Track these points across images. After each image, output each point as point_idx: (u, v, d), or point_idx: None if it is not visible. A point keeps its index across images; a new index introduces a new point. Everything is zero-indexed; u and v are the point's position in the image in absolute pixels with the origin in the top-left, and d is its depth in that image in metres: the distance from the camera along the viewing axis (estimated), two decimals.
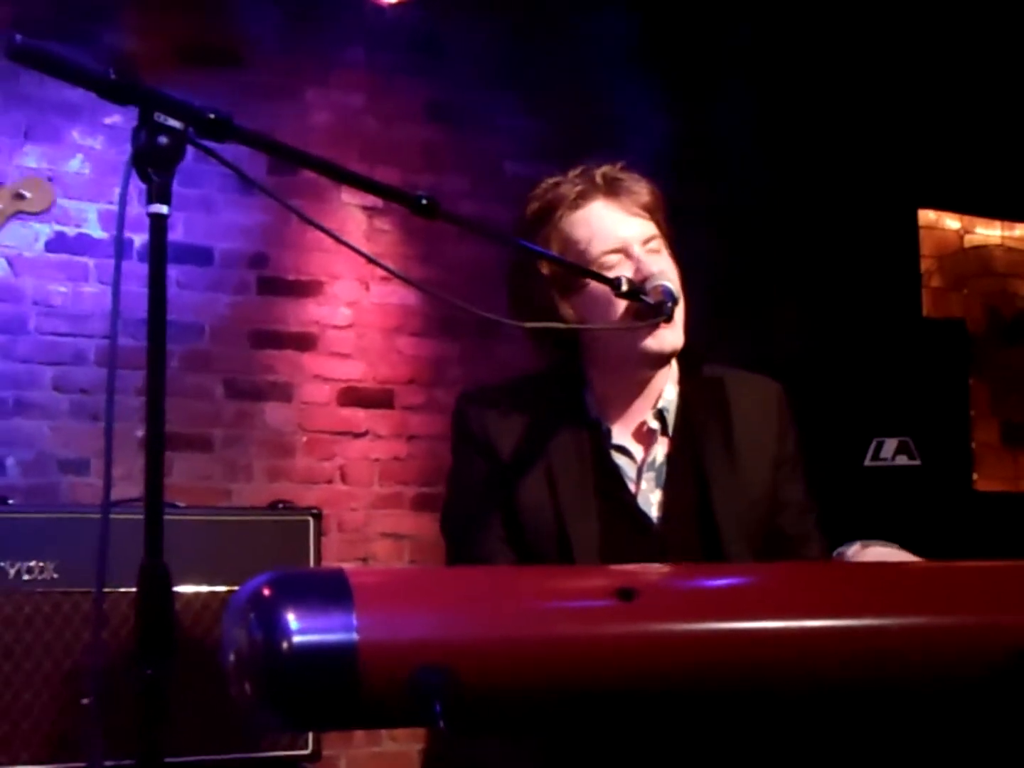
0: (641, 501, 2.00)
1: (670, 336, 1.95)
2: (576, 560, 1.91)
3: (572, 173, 2.06)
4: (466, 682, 1.25)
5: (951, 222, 5.57)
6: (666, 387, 2.05)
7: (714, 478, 1.99)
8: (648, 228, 2.00)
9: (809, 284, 4.92)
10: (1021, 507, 5.19)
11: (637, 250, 1.97)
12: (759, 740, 1.79)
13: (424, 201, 1.64)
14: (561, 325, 1.99)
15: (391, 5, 4.63)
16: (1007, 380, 5.50)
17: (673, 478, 2.01)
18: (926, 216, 5.45)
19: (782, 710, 1.43)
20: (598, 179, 2.03)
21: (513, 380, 2.12)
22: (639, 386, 2.03)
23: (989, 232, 5.67)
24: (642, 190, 2.02)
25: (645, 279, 1.94)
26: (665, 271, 1.96)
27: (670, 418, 2.04)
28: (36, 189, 2.86)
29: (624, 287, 1.90)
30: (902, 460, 4.30)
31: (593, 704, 1.35)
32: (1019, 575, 1.52)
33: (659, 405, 2.03)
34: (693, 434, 2.03)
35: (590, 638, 1.33)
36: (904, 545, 1.83)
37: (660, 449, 2.03)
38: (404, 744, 4.35)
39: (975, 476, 4.92)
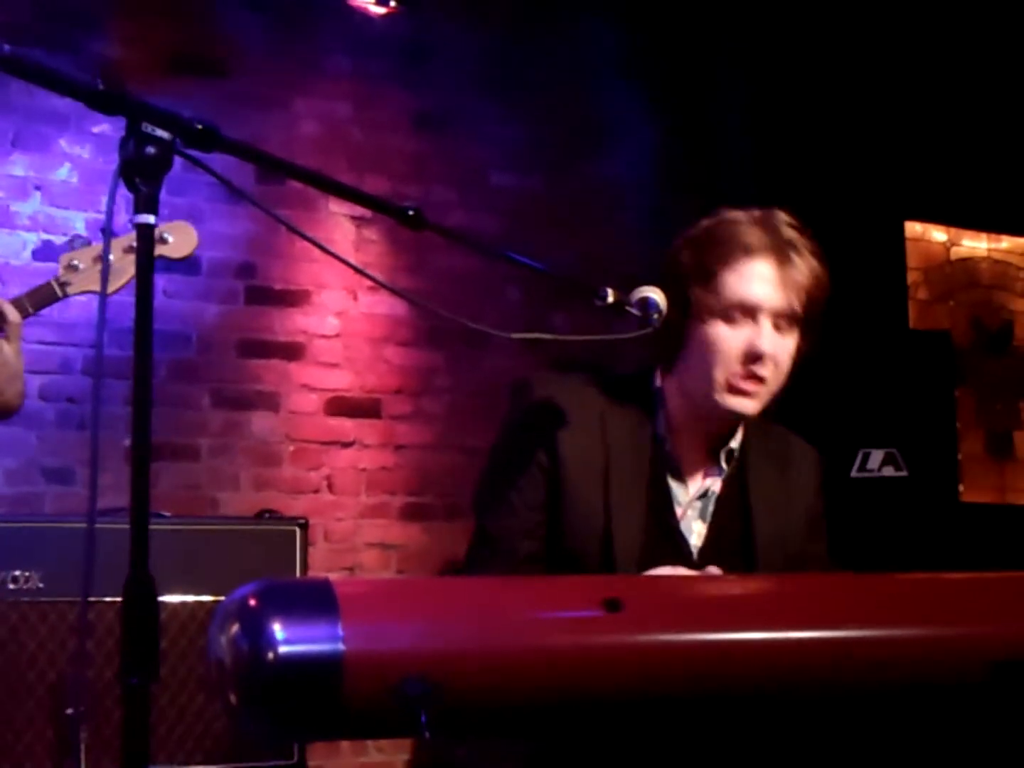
0: (684, 528, 2.01)
1: (748, 405, 1.96)
2: (616, 564, 1.91)
3: (755, 214, 2.02)
4: (451, 692, 1.25)
5: (938, 234, 5.59)
6: (738, 430, 2.06)
7: (761, 527, 2.03)
8: (790, 310, 1.97)
9: None
10: (1006, 518, 5.20)
11: (765, 321, 1.95)
12: (744, 749, 1.79)
13: (411, 212, 1.64)
14: (547, 336, 1.99)
15: (379, 15, 4.64)
16: (992, 392, 5.52)
17: (720, 514, 2.03)
18: (913, 228, 5.46)
19: (766, 720, 1.43)
20: (774, 235, 1.99)
21: (588, 373, 2.10)
22: (710, 438, 2.05)
23: (975, 244, 5.69)
24: (808, 271, 1.98)
25: (756, 359, 1.93)
26: (776, 352, 1.95)
27: (731, 459, 2.06)
28: (179, 233, 2.82)
29: (610, 299, 1.89)
30: (889, 471, 4.31)
31: (579, 714, 1.35)
32: (1001, 587, 1.52)
33: (731, 445, 2.05)
34: (745, 479, 2.06)
35: (576, 649, 1.33)
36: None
37: (713, 483, 2.04)
38: (390, 755, 4.34)
39: (961, 487, 4.93)
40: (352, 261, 2.03)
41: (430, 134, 4.79)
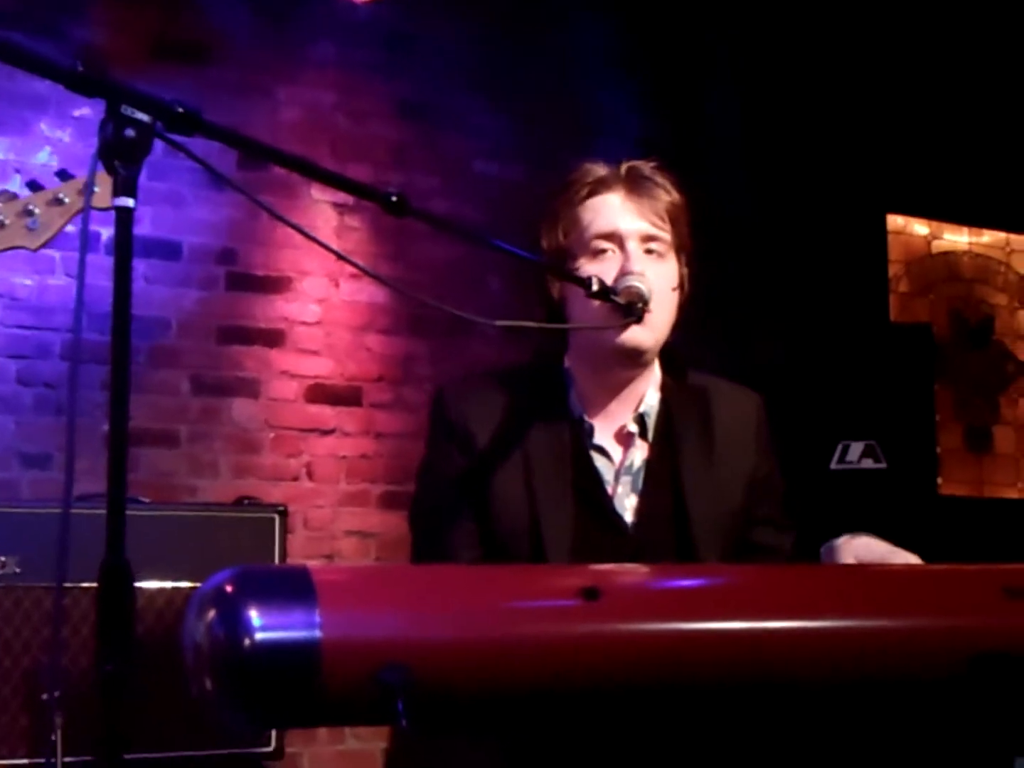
0: (616, 504, 2.00)
1: (640, 334, 1.95)
2: (547, 558, 1.91)
3: (607, 163, 2.06)
4: (429, 680, 1.25)
5: (919, 228, 5.60)
6: (648, 392, 2.05)
7: (691, 487, 2.00)
8: (653, 230, 1.99)
9: (777, 289, 4.94)
10: (984, 511, 5.23)
11: (631, 245, 1.97)
12: (723, 739, 1.79)
13: (394, 198, 1.64)
14: (532, 324, 1.99)
15: (363, 3, 4.62)
16: (971, 385, 5.55)
17: (650, 484, 2.01)
18: (894, 221, 5.48)
19: (744, 710, 1.43)
20: (622, 171, 2.03)
21: (497, 371, 2.12)
22: (618, 386, 2.03)
23: (956, 238, 5.70)
24: (663, 195, 2.01)
25: (624, 275, 1.94)
26: (648, 274, 1.96)
27: (651, 423, 2.04)
28: (107, 184, 2.77)
29: (595, 287, 1.89)
30: (868, 463, 4.32)
31: (557, 703, 1.35)
32: (979, 578, 1.52)
33: (641, 409, 2.03)
34: (672, 441, 2.03)
35: (554, 637, 1.33)
36: None
37: (638, 454, 2.03)
38: (367, 742, 4.34)
39: (940, 480, 4.95)
40: (334, 248, 2.03)
41: (413, 123, 4.78)
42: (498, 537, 1.96)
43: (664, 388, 2.07)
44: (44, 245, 2.58)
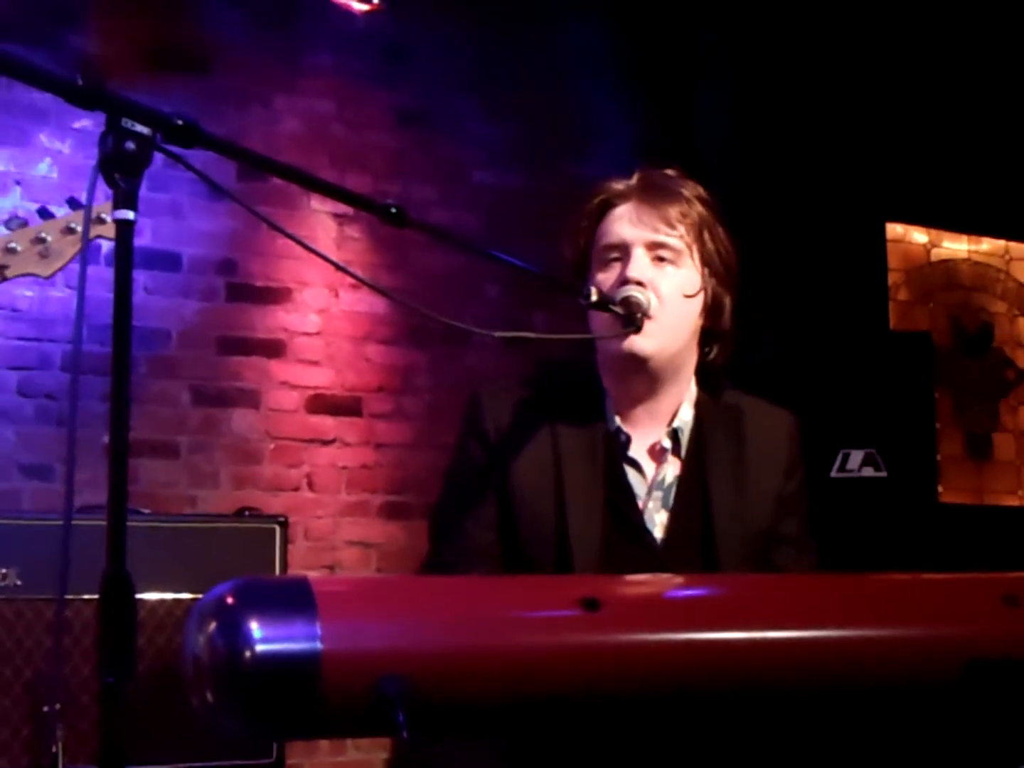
0: (647, 520, 1.99)
1: (640, 343, 1.93)
2: (574, 568, 1.90)
3: (626, 176, 2.06)
4: (429, 691, 1.25)
5: (918, 236, 5.61)
6: (683, 407, 2.04)
7: (720, 506, 1.99)
8: (661, 237, 1.97)
9: (777, 296, 4.94)
10: (985, 519, 5.23)
11: (637, 253, 1.96)
12: (722, 748, 1.79)
13: (393, 210, 1.64)
14: (529, 334, 1.99)
15: (361, 12, 4.63)
16: (971, 393, 5.55)
17: (680, 501, 2.00)
18: (894, 230, 5.48)
19: (743, 719, 1.43)
20: (636, 181, 2.03)
21: (534, 378, 2.09)
22: (643, 396, 2.01)
23: (956, 246, 5.71)
24: (673, 201, 1.99)
25: (622, 284, 1.94)
26: (657, 281, 1.95)
27: (684, 439, 2.03)
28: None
29: (595, 297, 1.89)
30: (868, 472, 4.32)
31: (557, 713, 1.35)
32: (978, 587, 1.52)
33: (674, 424, 2.02)
34: (704, 459, 2.02)
35: (555, 648, 1.33)
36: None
37: (670, 469, 2.02)
38: (368, 752, 4.34)
39: (940, 488, 4.95)
40: (334, 258, 2.02)
41: (412, 132, 4.79)
42: (524, 544, 1.95)
43: (699, 405, 2.06)
44: (56, 273, 2.60)
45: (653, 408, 2.02)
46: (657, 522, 1.99)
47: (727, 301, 2.04)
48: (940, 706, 1.43)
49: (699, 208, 2.01)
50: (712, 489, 2.00)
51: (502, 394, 2.05)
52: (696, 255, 2.00)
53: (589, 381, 2.05)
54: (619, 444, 2.01)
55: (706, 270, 2.01)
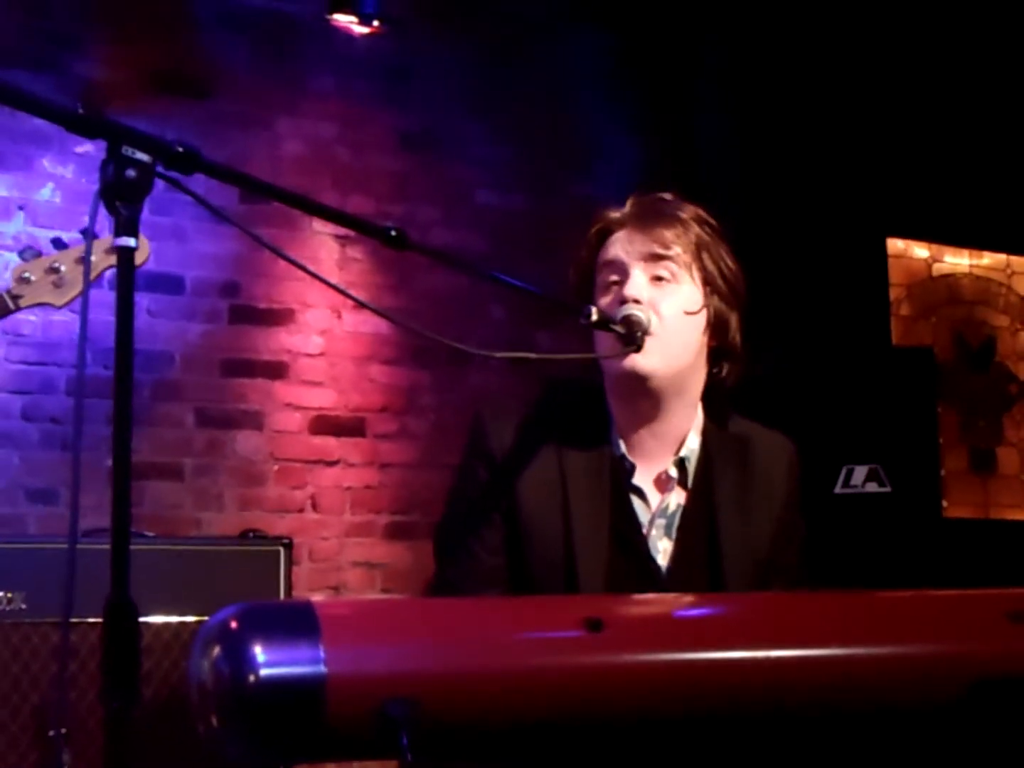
0: (651, 547, 1.99)
1: (641, 361, 1.94)
2: (580, 593, 1.90)
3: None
4: (434, 714, 1.25)
5: (920, 251, 5.62)
6: (690, 436, 2.04)
7: (726, 536, 1.99)
8: (654, 253, 1.98)
9: (779, 312, 4.94)
10: (989, 534, 5.22)
11: (634, 273, 1.97)
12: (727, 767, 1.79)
13: (393, 232, 1.64)
14: (531, 355, 2.00)
15: (362, 35, 4.65)
16: (975, 408, 5.55)
17: (685, 529, 2.00)
18: (895, 245, 5.49)
19: (748, 739, 1.43)
20: (632, 206, 2.04)
21: (540, 399, 2.08)
22: (648, 419, 2.00)
23: (957, 260, 5.71)
24: (669, 221, 2.00)
25: (621, 303, 1.95)
26: (656, 300, 1.96)
27: (691, 468, 2.03)
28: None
29: (595, 317, 1.90)
30: (872, 487, 4.31)
31: (561, 735, 1.35)
32: (982, 604, 1.52)
33: (682, 453, 2.02)
34: (711, 488, 2.02)
35: (558, 669, 1.33)
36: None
37: (674, 498, 2.02)
38: None
39: (944, 503, 4.94)
40: (335, 281, 2.05)
41: (415, 154, 4.80)
42: (530, 566, 1.95)
43: (706, 433, 2.06)
44: (70, 302, 2.62)
45: (658, 432, 2.02)
46: (660, 550, 1.99)
47: (732, 319, 2.03)
48: (945, 725, 1.43)
49: (696, 229, 2.02)
50: (720, 519, 2.00)
51: (506, 415, 2.04)
52: (696, 273, 2.00)
53: (595, 404, 2.04)
54: (624, 471, 2.00)
55: (707, 288, 2.01)
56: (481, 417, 2.04)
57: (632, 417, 2.01)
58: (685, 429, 2.03)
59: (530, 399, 2.10)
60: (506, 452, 1.99)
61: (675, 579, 1.97)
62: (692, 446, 2.03)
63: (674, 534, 2.00)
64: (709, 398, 2.06)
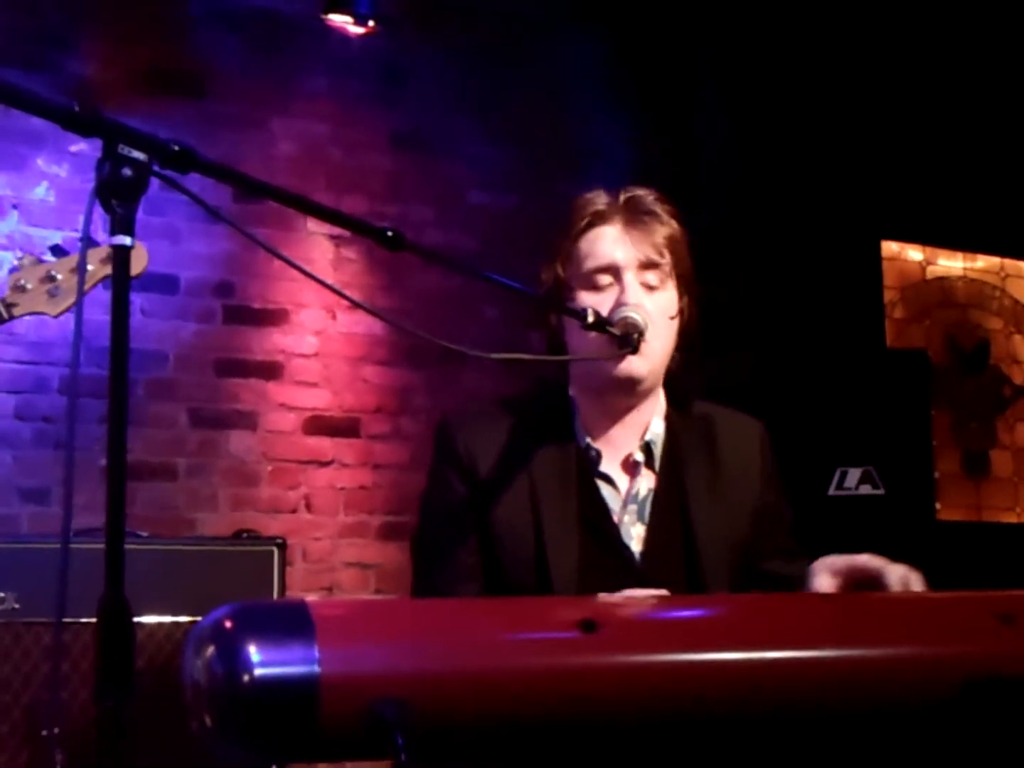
0: (623, 534, 2.00)
1: (636, 364, 1.96)
2: (553, 587, 1.90)
3: (607, 191, 2.06)
4: (428, 714, 1.25)
5: (914, 253, 5.62)
6: (653, 420, 2.06)
7: (698, 516, 2.00)
8: (651, 261, 2.00)
9: (773, 315, 4.95)
10: (983, 536, 5.23)
11: (628, 276, 1.98)
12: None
13: (389, 233, 1.64)
14: (527, 356, 2.00)
15: (356, 35, 4.65)
16: (968, 410, 5.55)
17: (657, 513, 2.01)
18: (889, 248, 5.49)
19: (741, 740, 1.43)
20: (622, 202, 2.03)
21: (501, 399, 2.11)
22: (621, 413, 2.03)
23: (951, 263, 5.72)
24: (661, 226, 2.01)
25: (620, 306, 1.95)
26: (646, 304, 1.97)
27: (657, 452, 2.04)
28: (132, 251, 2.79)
29: (591, 319, 1.90)
30: (866, 489, 4.32)
31: (555, 736, 1.35)
32: (971, 605, 1.53)
33: (647, 438, 2.04)
34: (679, 470, 2.03)
35: (552, 670, 1.33)
36: None
37: (644, 482, 2.03)
38: None
39: (938, 505, 4.95)
40: (330, 280, 2.04)
41: (408, 153, 4.80)
42: (503, 566, 1.96)
43: (669, 418, 2.08)
44: (64, 312, 2.61)
45: (626, 421, 2.04)
46: (634, 535, 2.00)
47: (694, 314, 2.08)
48: (936, 725, 1.43)
49: (677, 231, 2.04)
50: (691, 500, 2.01)
51: (471, 418, 2.07)
52: (675, 279, 2.04)
53: (556, 397, 2.07)
54: (589, 460, 2.02)
55: (680, 290, 2.05)
56: (447, 423, 2.07)
57: (603, 411, 2.04)
58: (649, 416, 2.06)
59: (494, 399, 2.13)
60: (473, 456, 2.00)
61: (649, 564, 1.98)
62: (657, 430, 2.06)
63: (647, 519, 2.01)
64: (668, 384, 2.09)
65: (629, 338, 1.93)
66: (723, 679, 1.37)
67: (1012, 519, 5.60)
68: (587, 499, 1.99)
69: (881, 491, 4.29)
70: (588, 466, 2.02)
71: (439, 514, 2.04)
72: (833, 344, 4.79)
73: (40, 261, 2.61)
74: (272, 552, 3.49)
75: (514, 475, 1.99)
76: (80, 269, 1.36)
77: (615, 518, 2.00)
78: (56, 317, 2.63)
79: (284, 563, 3.52)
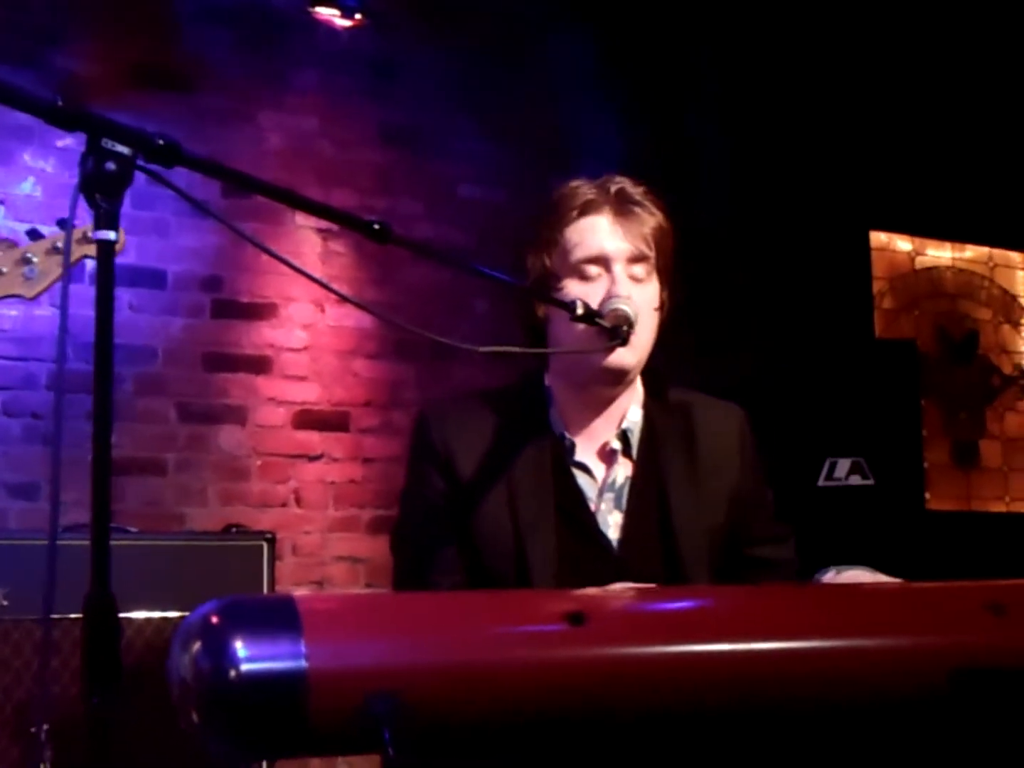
0: (600, 522, 2.00)
1: (626, 355, 1.96)
2: (532, 580, 1.91)
3: (593, 181, 2.05)
4: (415, 708, 1.24)
5: (902, 244, 5.63)
6: (631, 408, 2.06)
7: (676, 503, 2.00)
8: (639, 253, 2.00)
9: (762, 305, 4.95)
10: (972, 526, 5.24)
11: (617, 268, 1.98)
12: (709, 761, 1.79)
13: (376, 226, 1.64)
14: (516, 349, 2.00)
15: (345, 28, 4.64)
16: (957, 400, 5.56)
17: (634, 501, 2.01)
18: (878, 238, 5.50)
19: (730, 731, 1.43)
20: (611, 193, 2.02)
21: (478, 392, 2.12)
22: (600, 404, 2.04)
23: (940, 254, 5.73)
24: (649, 219, 2.01)
25: (610, 298, 1.95)
26: (634, 296, 1.97)
27: (634, 440, 2.04)
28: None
29: (580, 311, 1.90)
30: (855, 480, 4.33)
31: (544, 729, 1.35)
32: (961, 595, 1.53)
33: (623, 426, 2.04)
34: (656, 458, 2.03)
35: (540, 663, 1.33)
36: (858, 563, 1.84)
37: (621, 471, 2.03)
38: None
39: (927, 495, 4.97)
40: (318, 275, 2.03)
41: (398, 148, 4.79)
42: (483, 559, 1.96)
43: (646, 405, 2.08)
44: (40, 294, 2.60)
45: (604, 411, 2.05)
46: (611, 523, 2.00)
47: (672, 308, 2.09)
48: (926, 716, 1.43)
49: (663, 224, 2.04)
50: (669, 488, 2.01)
51: (448, 412, 2.07)
52: (658, 272, 2.05)
53: (531, 389, 2.07)
54: (564, 449, 2.02)
55: (662, 282, 2.06)
56: (424, 417, 2.07)
57: (584, 401, 2.04)
58: (627, 405, 2.06)
59: (470, 392, 2.13)
60: (449, 448, 2.01)
61: (627, 551, 1.98)
62: (634, 418, 2.06)
63: (624, 506, 2.01)
64: (645, 372, 2.08)
65: (619, 330, 1.92)
66: (712, 670, 1.37)
67: (1001, 508, 5.62)
68: (563, 488, 2.00)
69: (871, 481, 4.30)
70: (563, 455, 2.02)
71: (419, 508, 2.04)
72: (822, 335, 4.80)
73: (15, 245, 2.60)
74: (262, 547, 3.48)
75: (491, 467, 1.99)
76: (65, 259, 1.35)
77: (592, 506, 2.00)
78: (32, 299, 2.62)
79: (274, 558, 3.51)
